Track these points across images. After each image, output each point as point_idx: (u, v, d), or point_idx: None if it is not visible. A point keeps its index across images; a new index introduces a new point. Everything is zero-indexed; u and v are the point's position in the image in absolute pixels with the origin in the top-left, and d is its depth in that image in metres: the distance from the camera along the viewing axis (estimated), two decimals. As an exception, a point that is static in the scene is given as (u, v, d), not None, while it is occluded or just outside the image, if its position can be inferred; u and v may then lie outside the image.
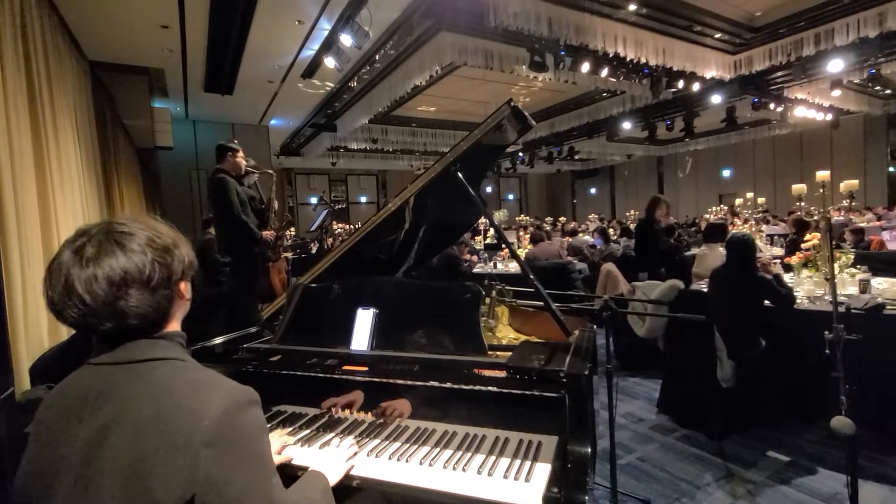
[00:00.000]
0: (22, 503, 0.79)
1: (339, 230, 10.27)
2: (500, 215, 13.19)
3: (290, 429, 1.40)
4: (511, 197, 21.05)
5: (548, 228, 10.31)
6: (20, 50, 3.24)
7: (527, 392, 1.22)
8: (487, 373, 1.32)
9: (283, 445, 1.25)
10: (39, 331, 2.92)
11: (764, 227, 7.42)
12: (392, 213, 1.73)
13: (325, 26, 5.69)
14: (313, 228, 6.93)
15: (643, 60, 6.59)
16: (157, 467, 0.71)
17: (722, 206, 11.49)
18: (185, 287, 0.91)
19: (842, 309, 2.61)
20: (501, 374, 1.28)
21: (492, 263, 5.96)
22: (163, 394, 0.77)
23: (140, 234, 0.83)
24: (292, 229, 12.37)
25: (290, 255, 4.93)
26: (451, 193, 1.76)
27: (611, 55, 6.42)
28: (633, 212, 12.66)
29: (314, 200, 15.76)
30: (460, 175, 1.68)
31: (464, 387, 1.27)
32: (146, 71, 6.56)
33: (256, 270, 3.66)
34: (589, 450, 1.13)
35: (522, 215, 14.21)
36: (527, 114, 1.64)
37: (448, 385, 1.28)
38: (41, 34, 3.75)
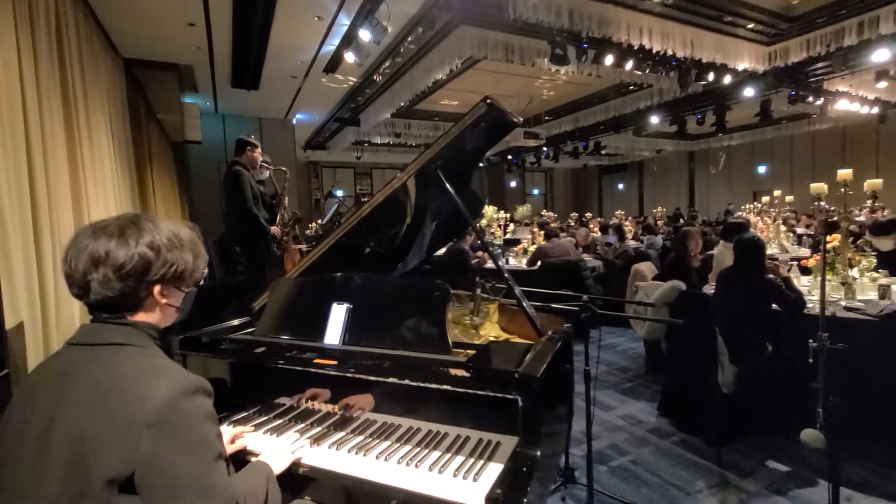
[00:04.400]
0: None
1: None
2: (523, 210, 13.05)
3: (264, 418, 1.47)
4: (536, 192, 20.78)
5: (571, 224, 10.16)
6: (54, 49, 3.42)
7: (483, 392, 1.23)
8: (452, 371, 1.34)
9: (238, 434, 1.30)
10: (72, 319, 3.12)
11: (795, 226, 7.06)
12: (375, 208, 1.75)
13: (345, 22, 5.76)
14: (324, 221, 7.07)
15: (670, 52, 6.37)
16: (98, 444, 0.77)
17: (756, 203, 10.99)
18: (163, 291, 0.97)
19: (853, 315, 2.50)
20: (464, 372, 1.30)
21: (503, 260, 5.94)
22: (116, 377, 0.83)
23: (147, 233, 0.93)
24: (318, 221, 12.63)
25: (304, 247, 5.04)
26: (437, 191, 1.77)
27: (636, 47, 6.23)
28: (660, 209, 12.30)
29: (340, 193, 16.03)
30: (440, 174, 1.69)
31: (422, 384, 1.29)
32: (176, 67, 6.81)
33: (265, 261, 3.77)
34: (538, 453, 1.14)
35: (546, 210, 14.01)
36: (507, 111, 1.62)
37: (407, 382, 1.30)
38: (76, 33, 3.94)
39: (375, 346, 1.45)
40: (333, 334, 1.50)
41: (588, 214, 13.03)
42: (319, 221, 12.75)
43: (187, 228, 1.03)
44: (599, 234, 7.06)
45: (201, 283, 1.11)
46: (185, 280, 1.01)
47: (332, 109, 9.95)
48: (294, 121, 10.36)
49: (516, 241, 7.13)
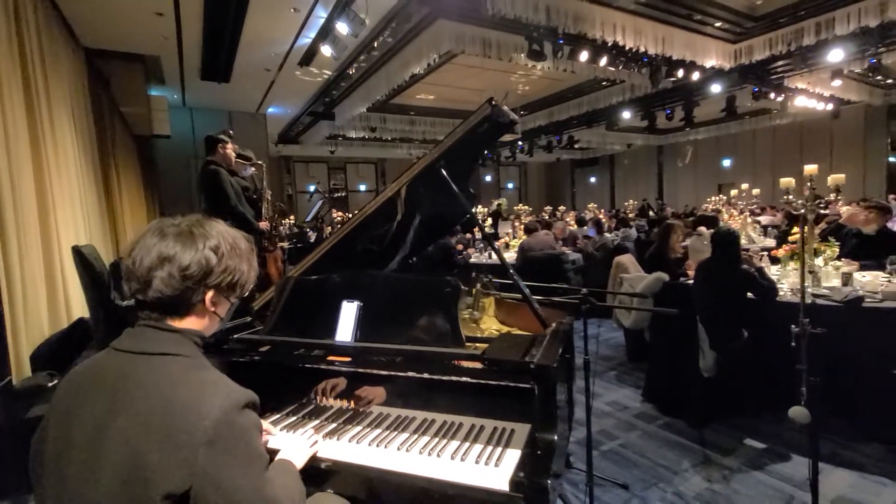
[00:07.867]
0: (36, 473, 0.84)
1: (339, 218, 10.31)
2: (500, 204, 13.21)
3: (277, 416, 1.47)
4: (511, 185, 21.01)
5: (547, 218, 10.32)
6: (14, 36, 3.23)
7: (500, 383, 1.28)
8: (465, 364, 1.38)
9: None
10: (40, 320, 2.99)
11: (760, 217, 7.43)
12: (381, 205, 1.77)
13: (321, 14, 5.66)
14: (309, 219, 6.96)
15: (642, 49, 6.55)
16: (158, 456, 0.76)
17: (721, 195, 11.46)
18: (215, 298, 0.96)
19: (821, 301, 2.68)
20: (478, 365, 1.34)
21: (486, 253, 6.01)
22: (170, 390, 0.83)
23: (214, 237, 0.95)
24: (291, 217, 12.42)
25: (286, 244, 4.97)
26: (438, 188, 1.80)
27: (609, 44, 6.38)
28: (631, 201, 12.68)
29: (312, 188, 15.75)
30: (444, 172, 1.72)
31: (441, 377, 1.33)
32: (142, 58, 6.53)
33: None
34: (555, 437, 1.20)
35: (521, 204, 14.21)
36: (509, 111, 1.66)
37: (426, 375, 1.34)
38: (34, 20, 3.73)
39: (388, 343, 1.47)
40: (345, 332, 1.51)
41: (562, 208, 13.30)
42: (292, 218, 12.53)
43: (245, 239, 1.03)
44: (576, 227, 7.24)
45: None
46: (236, 291, 1.01)
47: (306, 103, 9.76)
48: (266, 113, 10.11)
49: (496, 235, 7.21)
